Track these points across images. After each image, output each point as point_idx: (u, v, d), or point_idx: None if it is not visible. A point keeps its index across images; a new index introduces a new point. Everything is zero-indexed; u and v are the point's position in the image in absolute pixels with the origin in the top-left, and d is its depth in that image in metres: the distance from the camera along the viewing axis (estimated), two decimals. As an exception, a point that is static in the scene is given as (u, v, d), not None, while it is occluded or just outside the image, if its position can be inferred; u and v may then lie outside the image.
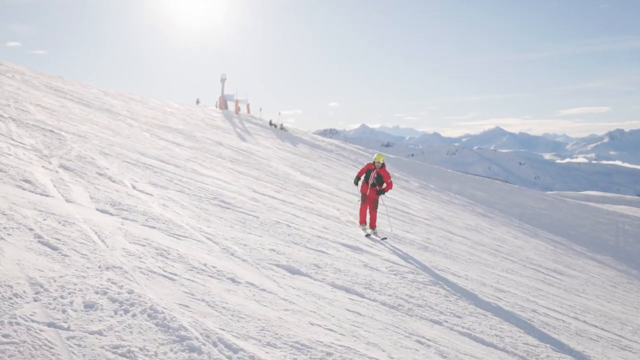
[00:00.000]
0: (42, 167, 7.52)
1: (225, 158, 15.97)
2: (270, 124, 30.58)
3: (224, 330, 3.60)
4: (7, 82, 15.93)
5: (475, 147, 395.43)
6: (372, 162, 10.75)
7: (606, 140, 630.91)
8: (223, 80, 30.62)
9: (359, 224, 10.81)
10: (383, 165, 10.71)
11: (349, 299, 5.44)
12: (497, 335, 5.68)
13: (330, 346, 3.89)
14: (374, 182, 10.53)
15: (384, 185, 10.62)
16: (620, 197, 42.41)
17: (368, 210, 10.64)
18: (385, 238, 10.09)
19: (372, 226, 10.48)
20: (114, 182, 8.01)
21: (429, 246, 11.19)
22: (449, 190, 28.73)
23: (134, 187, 8.02)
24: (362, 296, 5.68)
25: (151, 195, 7.86)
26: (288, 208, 10.54)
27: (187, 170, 11.50)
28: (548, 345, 5.92)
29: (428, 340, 4.83)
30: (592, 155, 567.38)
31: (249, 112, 33.59)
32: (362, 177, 10.82)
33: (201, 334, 3.40)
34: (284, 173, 17.17)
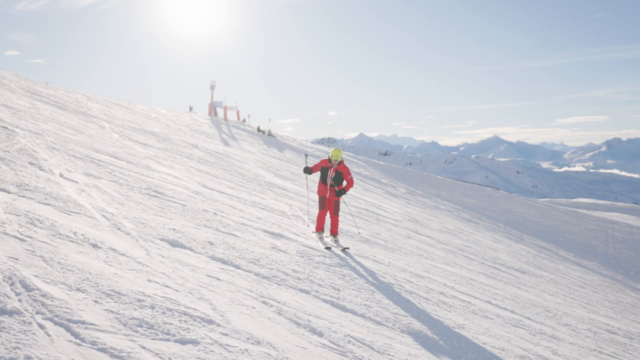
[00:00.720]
0: (-32, 154, 7.95)
1: (193, 159, 16.36)
2: (259, 130, 31.09)
3: (36, 276, 3.94)
4: (9, 94, 16.51)
5: (473, 156, 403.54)
6: (327, 158, 9.54)
7: (604, 148, 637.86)
8: (212, 87, 31.26)
9: (315, 231, 9.66)
10: (341, 162, 9.50)
11: (220, 268, 5.75)
12: (365, 305, 5.95)
13: (149, 296, 4.20)
14: (333, 182, 9.39)
15: (344, 183, 9.80)
16: (612, 204, 42.12)
17: (328, 215, 9.77)
18: (348, 248, 9.17)
19: (334, 232, 9.40)
20: (42, 170, 8.38)
21: (371, 239, 11.43)
22: (438, 197, 28.89)
23: (60, 175, 8.38)
24: (237, 267, 5.98)
25: (75, 182, 8.22)
26: (230, 201, 10.86)
27: (139, 166, 11.87)
28: (422, 317, 6.17)
29: (277, 302, 5.12)
30: (590, 163, 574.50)
31: (238, 118, 34.21)
32: (318, 174, 9.78)
33: (3, 276, 3.74)
34: (255, 174, 17.51)
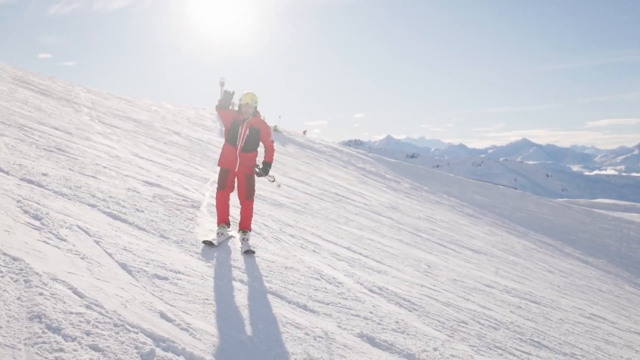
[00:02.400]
0: None
1: (159, 140, 17.34)
2: (265, 125, 32.14)
3: None
4: None
5: (501, 159, 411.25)
6: (236, 109, 6.79)
7: (636, 152, 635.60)
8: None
9: (216, 223, 7.03)
10: (257, 112, 6.74)
11: (17, 184, 6.55)
12: (151, 220, 6.61)
13: None
14: (246, 145, 6.62)
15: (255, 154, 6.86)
16: (633, 205, 40.48)
17: (239, 200, 6.96)
18: (253, 252, 6.54)
19: (244, 226, 6.91)
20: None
21: (286, 204, 11.94)
22: (448, 194, 28.87)
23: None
24: (40, 186, 6.77)
25: (-32, 133, 9.32)
26: (146, 165, 11.61)
27: (76, 137, 12.88)
28: (210, 236, 6.76)
29: (37, 204, 5.87)
30: (622, 167, 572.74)
31: (248, 115, 35.51)
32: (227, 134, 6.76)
33: None
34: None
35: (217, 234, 6.69)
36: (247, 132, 6.60)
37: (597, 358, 6.67)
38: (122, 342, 3.30)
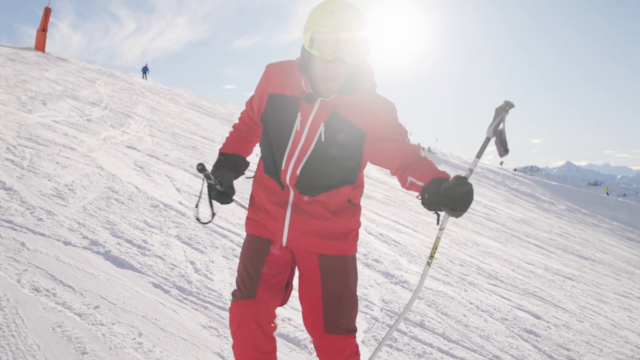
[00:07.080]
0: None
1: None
2: (419, 146, 35.20)
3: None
4: (170, 106, 24.03)
5: None
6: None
7: None
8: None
9: None
10: (361, 75, 2.55)
11: (142, 156, 10.63)
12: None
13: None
14: (311, 173, 2.57)
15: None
16: None
17: (307, 330, 2.75)
18: None
19: None
20: (120, 126, 14.32)
21: (377, 198, 14.94)
22: (612, 219, 29.12)
23: (124, 132, 14.19)
24: (162, 161, 10.78)
25: (137, 132, 13.93)
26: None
27: (217, 143, 17.19)
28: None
29: (157, 169, 9.83)
30: None
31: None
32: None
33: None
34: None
35: None
36: (322, 133, 2.57)
37: (554, 298, 8.76)
38: (144, 202, 6.88)
